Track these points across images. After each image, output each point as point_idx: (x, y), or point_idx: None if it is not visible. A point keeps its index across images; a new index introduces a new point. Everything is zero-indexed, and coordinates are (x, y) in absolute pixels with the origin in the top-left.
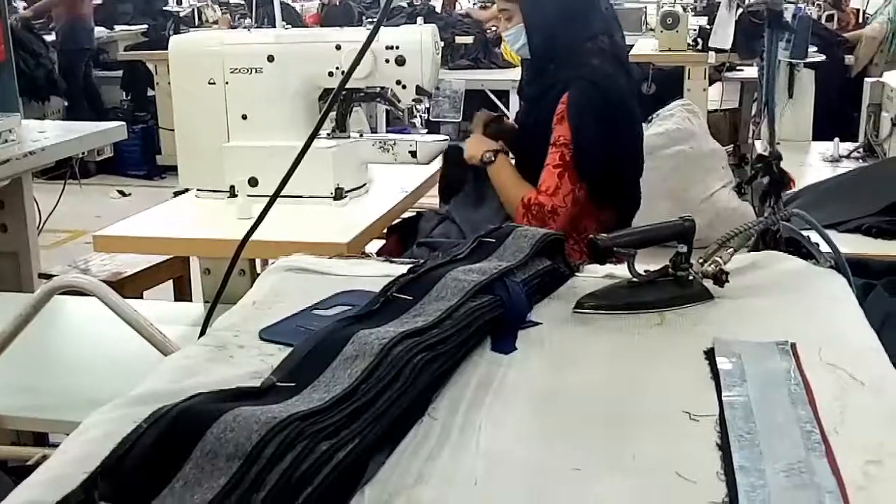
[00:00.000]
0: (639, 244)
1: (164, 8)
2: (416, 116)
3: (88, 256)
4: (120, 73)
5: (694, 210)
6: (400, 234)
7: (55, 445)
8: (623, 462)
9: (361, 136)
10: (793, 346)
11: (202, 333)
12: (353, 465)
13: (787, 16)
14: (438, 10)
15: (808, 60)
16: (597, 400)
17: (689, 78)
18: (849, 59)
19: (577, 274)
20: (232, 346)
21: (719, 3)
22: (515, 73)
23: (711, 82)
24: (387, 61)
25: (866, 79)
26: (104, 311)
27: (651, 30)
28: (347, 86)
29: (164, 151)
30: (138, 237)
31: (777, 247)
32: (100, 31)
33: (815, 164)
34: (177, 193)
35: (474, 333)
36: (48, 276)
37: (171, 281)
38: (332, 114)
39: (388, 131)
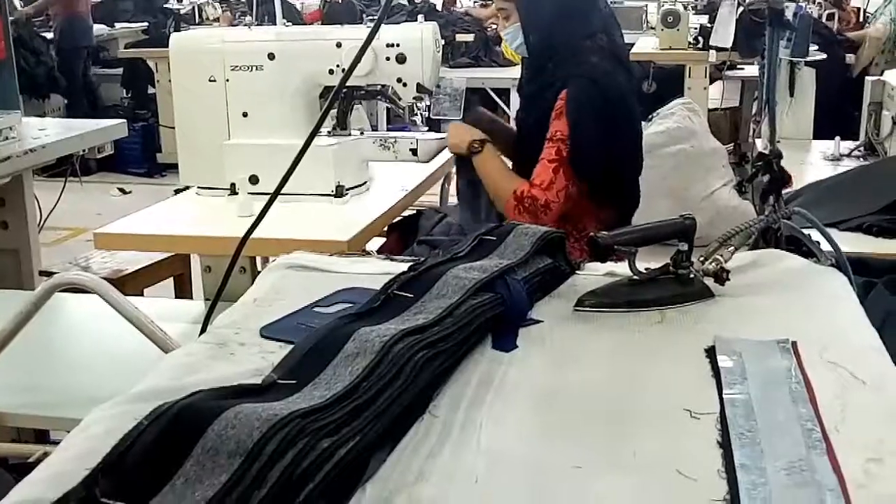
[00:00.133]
0: (640, 242)
1: (165, 5)
2: (416, 114)
3: (89, 254)
4: (120, 70)
5: (694, 208)
6: (400, 233)
7: (56, 443)
8: (624, 460)
9: (362, 133)
10: (793, 344)
11: (203, 331)
12: (354, 463)
13: (788, 14)
14: (439, 7)
15: (808, 59)
16: (598, 398)
17: (689, 76)
18: (850, 57)
19: (577, 272)
20: (233, 344)
21: (720, 1)
22: (516, 72)
23: (712, 81)
24: (387, 59)
25: (867, 77)
26: (105, 309)
27: (652, 28)
28: (348, 83)
29: (164, 149)
30: (139, 235)
31: (778, 245)
32: (100, 29)
33: (815, 162)
34: (177, 191)
35: (475, 331)
36: (49, 274)
37: (171, 278)
38: (333, 111)
39: (388, 129)
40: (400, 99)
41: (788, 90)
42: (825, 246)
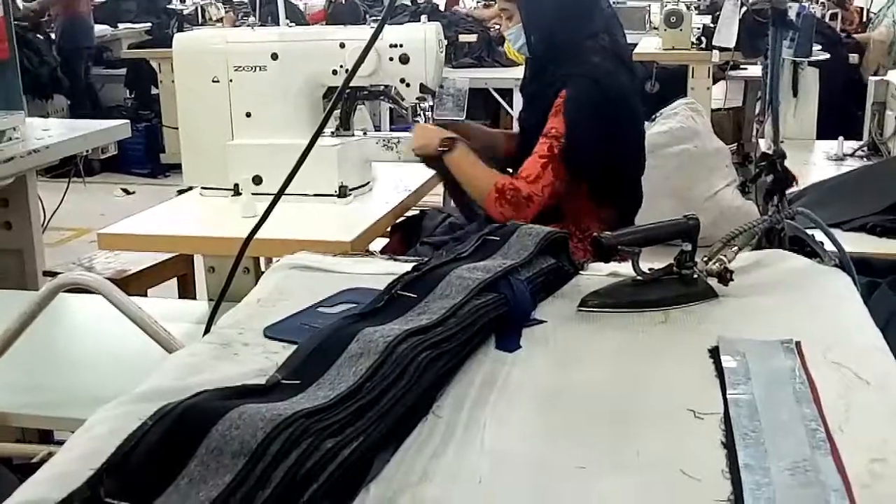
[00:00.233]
0: (643, 242)
1: (168, 6)
2: (419, 115)
3: (93, 254)
4: (124, 71)
5: (698, 208)
6: (403, 233)
7: (60, 443)
8: (627, 460)
9: (365, 134)
10: (797, 344)
11: (207, 331)
12: (357, 463)
13: (792, 14)
14: (442, 8)
15: (812, 59)
16: (601, 398)
17: (692, 76)
18: (853, 57)
19: (581, 272)
20: (237, 344)
21: (723, 1)
22: (519, 72)
23: (715, 81)
24: (391, 59)
25: (871, 77)
26: (109, 309)
27: (655, 28)
28: (351, 84)
29: (168, 150)
30: (142, 235)
31: (781, 245)
32: (103, 30)
33: (819, 162)
34: (181, 191)
35: (479, 331)
36: (52, 274)
37: (175, 279)
38: (336, 112)
39: (391, 129)
40: (403, 99)
41: (792, 90)
42: (829, 246)
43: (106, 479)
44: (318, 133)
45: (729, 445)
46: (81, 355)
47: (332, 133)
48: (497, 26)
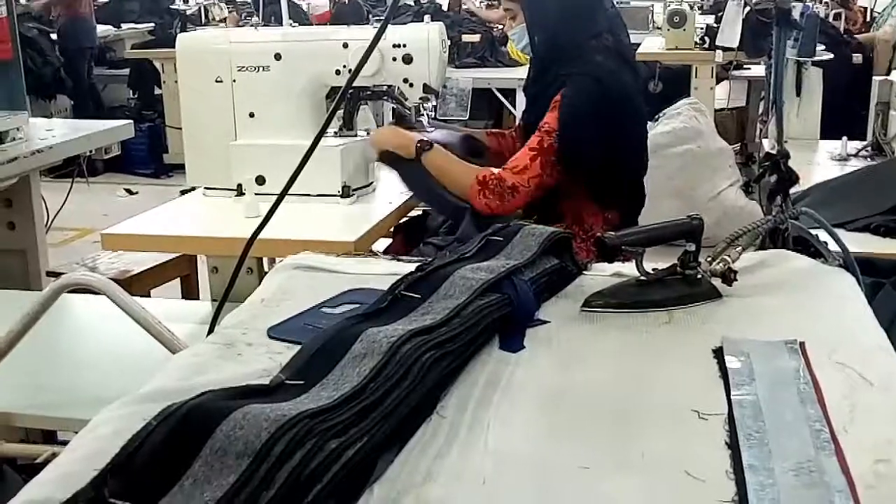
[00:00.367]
0: (647, 242)
1: (171, 6)
2: (423, 115)
3: (96, 254)
4: (127, 71)
5: (701, 208)
6: (407, 233)
7: (64, 443)
8: (631, 460)
9: (368, 134)
10: (801, 344)
11: (210, 331)
12: (361, 463)
13: (795, 14)
14: (445, 7)
15: (815, 59)
16: (605, 398)
17: (696, 76)
18: (857, 57)
19: (584, 272)
20: (240, 344)
21: (726, 1)
22: (522, 72)
23: (718, 81)
24: (394, 59)
25: (874, 77)
26: (112, 309)
27: (658, 28)
28: (354, 84)
29: (171, 150)
30: (146, 235)
31: (785, 245)
32: (106, 30)
33: (823, 162)
34: (184, 192)
35: (482, 332)
36: (56, 274)
37: (178, 279)
38: (340, 112)
39: None
40: (406, 99)
41: (795, 90)
42: (833, 246)
43: (110, 479)
44: (322, 133)
45: (733, 446)
46: (85, 356)
47: (336, 133)
48: (502, 26)
